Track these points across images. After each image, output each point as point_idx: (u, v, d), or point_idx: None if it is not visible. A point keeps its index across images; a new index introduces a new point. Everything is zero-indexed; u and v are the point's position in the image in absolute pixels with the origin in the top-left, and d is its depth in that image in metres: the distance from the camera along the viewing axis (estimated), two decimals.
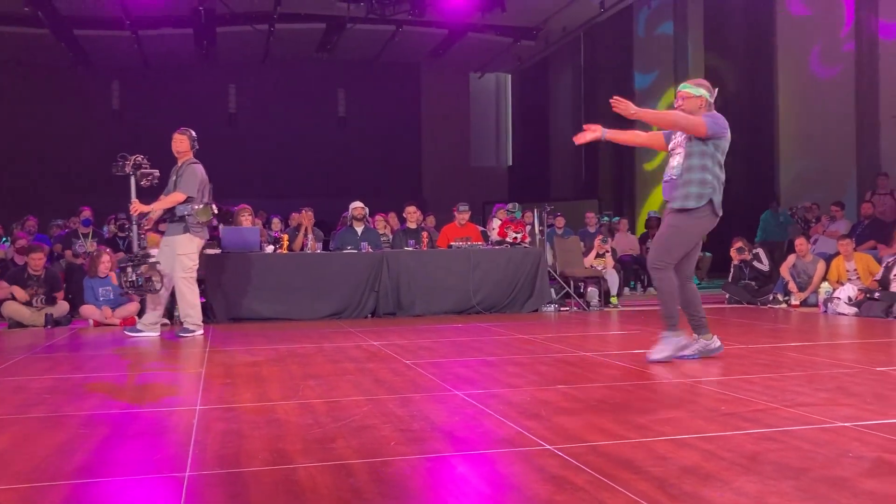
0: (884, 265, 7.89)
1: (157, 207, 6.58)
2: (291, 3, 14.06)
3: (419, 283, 8.23)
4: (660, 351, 4.78)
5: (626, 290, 10.65)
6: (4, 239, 10.37)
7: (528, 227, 9.01)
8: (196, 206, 6.47)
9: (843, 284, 8.16)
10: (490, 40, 16.64)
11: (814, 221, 10.62)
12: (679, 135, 4.75)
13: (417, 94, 19.38)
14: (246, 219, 8.75)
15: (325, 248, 9.40)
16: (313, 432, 3.08)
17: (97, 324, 7.63)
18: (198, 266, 6.81)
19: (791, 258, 8.99)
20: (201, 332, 6.72)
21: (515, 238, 8.76)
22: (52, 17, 13.89)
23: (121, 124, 16.91)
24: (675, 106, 4.67)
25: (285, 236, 8.52)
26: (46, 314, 7.67)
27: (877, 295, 7.59)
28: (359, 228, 8.95)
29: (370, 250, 8.49)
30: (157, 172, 6.55)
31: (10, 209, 12.24)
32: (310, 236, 8.97)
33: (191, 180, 6.52)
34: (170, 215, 6.60)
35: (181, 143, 6.75)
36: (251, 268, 7.94)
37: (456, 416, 3.38)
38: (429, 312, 8.17)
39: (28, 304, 7.77)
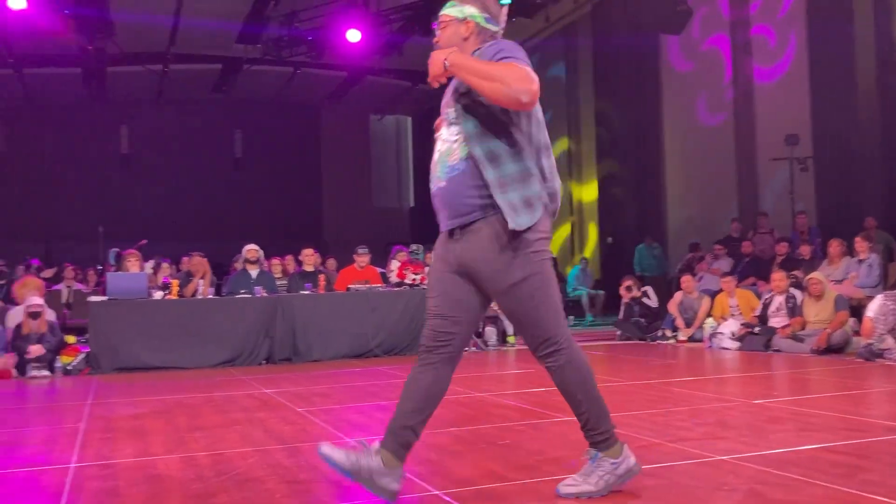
0: (762, 301, 8.30)
1: None
2: (186, 44, 13.87)
3: (316, 327, 8.11)
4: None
5: None
6: None
7: (428, 269, 9.05)
8: None
9: (726, 320, 8.53)
10: (389, 83, 16.85)
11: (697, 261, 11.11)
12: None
13: (317, 135, 19.35)
14: (133, 264, 8.44)
15: (218, 292, 9.16)
16: (194, 487, 2.97)
17: None
18: None
19: (678, 295, 9.34)
20: None
21: (414, 280, 8.78)
22: None
23: (6, 165, 16.17)
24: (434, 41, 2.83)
25: (175, 282, 8.25)
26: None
27: (756, 329, 7.96)
28: (253, 272, 8.77)
29: (265, 294, 8.32)
30: None
31: None
32: (203, 282, 8.72)
33: None
34: None
35: None
36: (138, 315, 7.63)
37: None
38: (326, 357, 8.04)
39: None
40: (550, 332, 2.61)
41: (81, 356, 7.47)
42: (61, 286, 9.90)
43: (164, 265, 9.72)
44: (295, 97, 17.52)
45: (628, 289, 9.73)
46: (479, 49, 2.63)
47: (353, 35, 12.16)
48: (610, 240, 14.49)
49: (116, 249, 10.26)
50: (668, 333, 9.16)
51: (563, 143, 15.83)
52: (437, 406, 2.75)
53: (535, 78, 2.42)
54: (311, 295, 8.46)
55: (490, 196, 2.50)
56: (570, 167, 15.66)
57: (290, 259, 9.91)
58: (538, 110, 2.66)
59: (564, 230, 15.76)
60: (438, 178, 2.69)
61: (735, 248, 10.78)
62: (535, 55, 16.08)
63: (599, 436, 2.68)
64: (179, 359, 7.58)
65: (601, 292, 12.70)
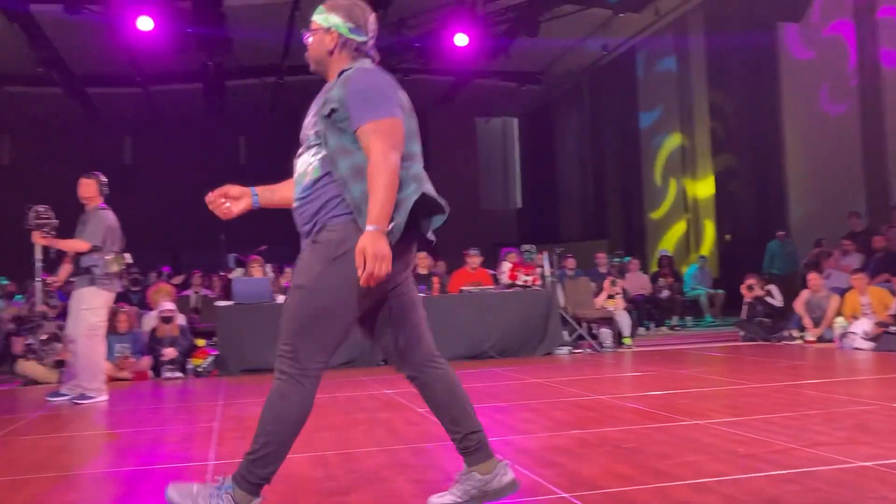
0: None
1: (57, 245, 6.04)
2: (299, 55, 14.28)
3: (431, 328, 8.18)
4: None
5: (642, 329, 10.58)
6: (19, 296, 10.46)
7: (539, 270, 9.00)
8: (106, 257, 5.95)
9: (857, 319, 8.08)
10: (495, 86, 16.85)
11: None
12: None
13: (425, 139, 19.34)
14: (257, 269, 8.78)
15: None
16: (326, 486, 3.06)
17: (110, 379, 7.62)
18: (105, 322, 6.22)
19: (804, 293, 8.92)
20: (104, 398, 6.06)
21: (526, 281, 8.75)
22: (66, 76, 14.17)
23: (133, 179, 17.13)
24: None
25: None
26: (61, 370, 7.67)
27: (893, 329, 7.51)
28: None
29: None
30: (55, 222, 6.08)
31: (26, 266, 12.34)
32: None
33: (96, 228, 5.97)
34: (75, 268, 6.05)
35: (88, 188, 6.16)
36: (262, 318, 7.92)
37: None
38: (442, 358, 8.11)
39: (40, 361, 7.78)
40: (291, 342, 2.48)
41: (210, 358, 7.83)
42: (190, 292, 10.42)
43: (287, 270, 10.06)
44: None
45: (750, 288, 9.36)
46: (346, 71, 2.50)
47: (461, 39, 12.24)
48: (728, 237, 13.99)
49: (235, 254, 10.68)
50: (795, 334, 8.76)
51: (676, 139, 15.42)
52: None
53: (395, 125, 2.38)
54: (425, 297, 8.55)
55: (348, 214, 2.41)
56: (683, 163, 15.23)
57: None
58: (416, 130, 2.59)
59: (680, 228, 15.33)
60: (294, 199, 2.61)
61: (865, 243, 10.19)
62: (644, 51, 15.76)
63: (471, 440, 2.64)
64: None
65: (721, 291, 12.26)
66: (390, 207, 2.32)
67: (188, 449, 3.96)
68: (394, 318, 2.67)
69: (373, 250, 2.23)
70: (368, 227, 2.27)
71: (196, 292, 10.34)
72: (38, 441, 4.42)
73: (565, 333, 8.73)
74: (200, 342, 8.11)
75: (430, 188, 2.55)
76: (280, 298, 8.32)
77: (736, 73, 13.85)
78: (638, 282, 11.47)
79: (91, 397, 5.97)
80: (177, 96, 16.07)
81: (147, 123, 17.29)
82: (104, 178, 6.26)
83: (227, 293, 8.69)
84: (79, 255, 5.98)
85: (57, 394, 6.14)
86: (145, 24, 11.12)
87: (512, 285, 8.81)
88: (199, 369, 7.79)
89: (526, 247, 9.55)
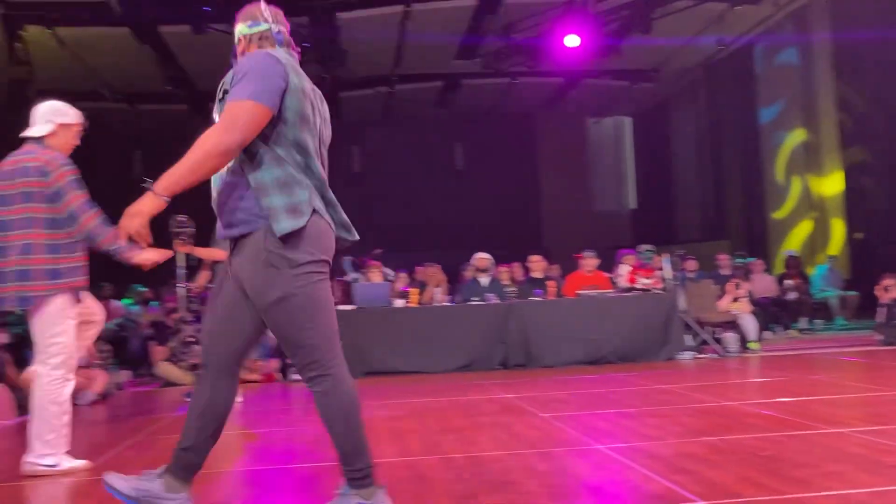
0: None
1: (198, 253, 6.35)
2: (409, 64, 14.55)
3: (548, 333, 8.16)
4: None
5: (769, 333, 10.15)
6: (155, 302, 11.09)
7: (659, 272, 8.79)
8: None
9: None
10: (607, 85, 16.58)
11: None
12: None
13: (534, 142, 19.49)
14: (376, 274, 8.97)
15: (451, 300, 9.49)
16: (457, 488, 3.10)
17: (241, 381, 7.97)
18: None
19: None
20: (238, 399, 6.25)
21: (646, 284, 8.56)
22: (192, 93, 14.94)
23: None
24: None
25: (414, 290, 8.68)
26: (196, 373, 8.08)
27: None
28: (484, 280, 8.99)
29: (497, 301, 8.51)
30: (191, 230, 6.29)
31: (160, 273, 13.08)
32: (439, 290, 9.08)
33: None
34: (213, 275, 6.22)
35: None
36: (382, 322, 8.12)
37: (600, 470, 3.32)
38: (559, 363, 8.06)
39: (178, 363, 8.23)
40: (315, 356, 2.45)
41: None
42: None
43: (402, 275, 10.24)
44: (511, 107, 17.77)
45: (887, 289, 8.84)
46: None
47: (572, 40, 12.11)
48: (860, 235, 13.24)
49: (350, 258, 10.95)
50: None
51: (799, 135, 14.71)
52: (223, 424, 2.60)
53: (245, 107, 2.32)
54: (542, 301, 8.53)
55: (257, 206, 2.40)
56: (807, 159, 14.53)
57: (517, 266, 10.05)
58: (310, 117, 2.50)
59: (805, 227, 14.61)
60: (212, 190, 2.61)
61: None
62: (762, 44, 15.14)
63: (356, 472, 2.53)
64: (421, 364, 7.95)
65: (853, 293, 11.61)
66: (184, 182, 2.33)
67: (322, 450, 4.09)
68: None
69: (131, 207, 2.33)
70: (157, 188, 2.33)
71: None
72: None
73: (688, 338, 8.49)
74: None
75: (317, 201, 2.51)
76: (399, 303, 8.49)
77: (867, 60, 13.09)
78: (763, 284, 11.01)
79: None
80: None
81: None
82: None
83: (347, 297, 8.93)
84: (215, 263, 6.28)
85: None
86: None
87: (631, 289, 8.65)
88: None
89: (643, 247, 9.35)
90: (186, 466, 2.57)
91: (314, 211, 2.46)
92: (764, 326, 9.72)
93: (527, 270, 9.63)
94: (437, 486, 3.15)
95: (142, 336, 9.68)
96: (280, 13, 2.70)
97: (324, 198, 2.55)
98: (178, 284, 6.56)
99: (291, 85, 2.42)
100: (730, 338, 8.51)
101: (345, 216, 2.64)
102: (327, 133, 2.68)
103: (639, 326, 8.23)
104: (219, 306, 2.59)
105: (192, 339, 6.37)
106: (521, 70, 14.58)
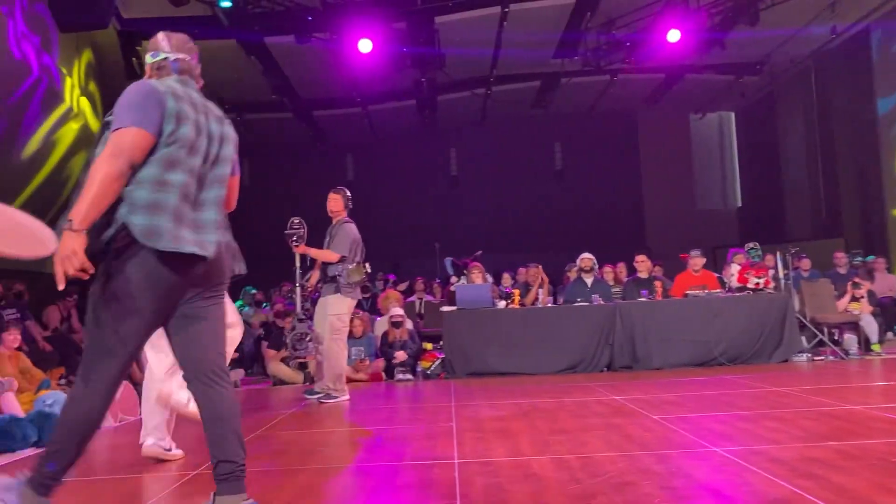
0: None
1: (311, 254, 6.60)
2: (507, 65, 14.54)
3: (655, 334, 7.99)
4: None
5: (891, 334, 9.62)
6: (266, 304, 11.48)
7: (771, 271, 8.47)
8: (348, 266, 6.39)
9: None
10: (710, 80, 16.12)
11: None
12: None
13: (635, 140, 19.13)
14: (477, 276, 9.01)
15: (554, 301, 9.43)
16: (572, 488, 3.07)
17: (349, 380, 8.16)
18: (347, 327, 6.71)
19: None
20: (346, 397, 6.53)
21: (758, 283, 8.26)
22: (295, 101, 15.40)
23: (356, 194, 18.23)
24: None
25: (516, 291, 8.67)
26: (305, 372, 8.33)
27: None
28: (588, 280, 8.89)
29: (601, 302, 8.39)
30: (301, 231, 6.60)
31: (270, 276, 13.53)
32: (541, 291, 9.05)
33: (344, 240, 6.46)
34: (322, 276, 6.56)
35: (335, 202, 6.72)
36: (485, 323, 8.15)
37: (718, 473, 3.23)
38: (667, 365, 7.89)
39: (288, 363, 8.50)
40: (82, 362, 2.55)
41: (438, 362, 8.16)
42: (413, 298, 10.91)
43: (504, 275, 10.25)
44: (611, 104, 17.50)
45: None
46: None
47: (674, 35, 11.85)
48: None
49: (451, 258, 11.03)
50: None
51: None
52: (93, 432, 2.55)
53: (127, 134, 2.47)
54: (648, 302, 8.36)
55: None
56: None
57: (621, 266, 9.89)
58: (190, 139, 2.59)
59: None
60: None
61: None
62: (879, 30, 14.37)
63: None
64: (524, 365, 7.94)
65: None
66: (94, 212, 2.39)
67: (433, 447, 4.14)
68: (178, 330, 2.66)
69: (60, 250, 2.35)
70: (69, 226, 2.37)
71: (420, 298, 10.81)
72: (297, 436, 4.82)
73: (803, 339, 8.15)
74: (428, 346, 8.47)
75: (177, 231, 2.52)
76: (501, 304, 8.50)
77: None
78: (885, 283, 10.45)
79: (335, 397, 6.44)
80: (392, 114, 16.91)
81: (366, 141, 18.34)
82: (349, 193, 6.86)
83: (451, 299, 9.02)
84: (326, 264, 6.49)
85: (312, 392, 6.66)
86: (365, 46, 11.81)
87: (742, 288, 8.37)
88: (428, 371, 8.13)
89: (750, 245, 9.04)
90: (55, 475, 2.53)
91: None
92: (886, 328, 9.23)
93: (632, 270, 9.46)
94: (551, 486, 3.13)
95: (254, 337, 10.04)
96: (184, 40, 2.88)
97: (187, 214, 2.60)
98: (296, 284, 6.82)
99: (169, 109, 2.57)
100: (850, 339, 8.12)
101: (211, 236, 2.64)
102: (226, 151, 2.78)
103: (751, 327, 7.96)
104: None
105: (302, 336, 6.61)
106: (621, 67, 14.35)
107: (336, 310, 6.41)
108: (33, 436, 4.76)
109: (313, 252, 6.57)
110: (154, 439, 4.02)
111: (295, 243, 6.53)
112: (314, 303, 6.91)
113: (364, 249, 6.64)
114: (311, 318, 6.69)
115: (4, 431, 4.67)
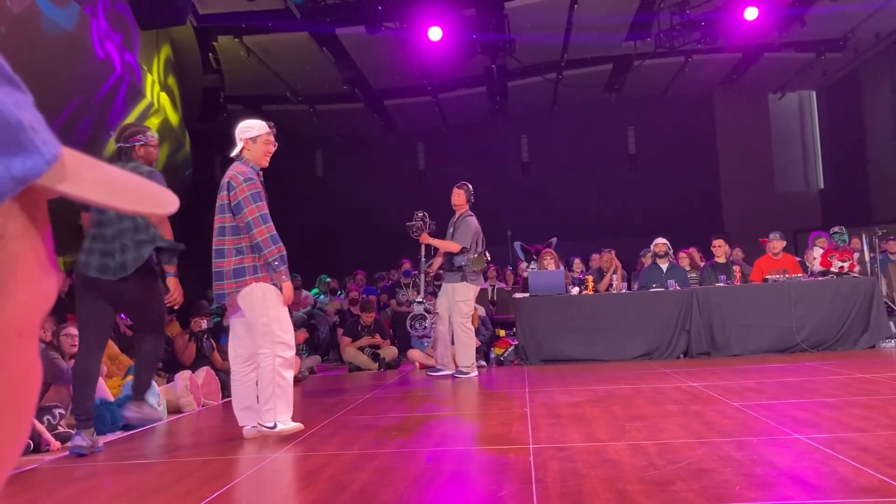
0: None
1: (435, 244, 7.22)
2: (578, 49, 14.35)
3: (734, 320, 7.80)
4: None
5: None
6: (340, 292, 11.67)
7: (856, 255, 8.16)
8: (471, 256, 6.93)
9: None
10: (789, 58, 15.56)
11: None
12: None
13: (711, 122, 18.63)
14: (550, 262, 8.95)
15: (629, 287, 9.30)
16: (650, 474, 3.04)
17: (422, 366, 8.25)
18: (473, 311, 7.28)
19: None
20: (475, 374, 7.12)
21: (842, 267, 7.96)
22: (366, 91, 15.55)
23: (427, 183, 18.31)
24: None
25: (590, 277, 8.59)
26: (380, 359, 8.46)
27: None
28: (663, 265, 8.73)
29: (677, 288, 8.24)
30: (417, 224, 7.25)
31: (344, 265, 13.75)
32: (615, 277, 8.95)
33: (466, 232, 7.08)
34: (448, 265, 7.15)
35: (458, 196, 7.37)
36: (558, 310, 8.09)
37: (802, 461, 3.15)
38: (746, 352, 7.70)
39: (363, 350, 8.64)
40: None
41: (511, 348, 8.16)
42: (486, 285, 10.91)
43: (576, 261, 10.16)
44: (686, 86, 17.08)
45: None
46: None
47: (751, 13, 11.50)
48: None
49: (520, 242, 10.98)
50: None
51: None
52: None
53: None
54: (727, 287, 8.16)
55: None
56: None
57: (694, 251, 9.68)
58: None
59: None
60: None
61: None
62: None
63: None
64: (599, 351, 7.86)
65: None
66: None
67: (508, 432, 4.16)
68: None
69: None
70: None
71: (492, 285, 10.81)
72: (373, 420, 4.90)
73: (892, 325, 7.84)
74: (501, 332, 8.48)
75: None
76: (574, 290, 8.44)
77: None
78: None
79: (466, 373, 7.01)
80: (463, 101, 16.89)
81: (437, 130, 18.39)
82: (471, 188, 7.43)
83: (523, 285, 9.00)
84: (450, 254, 7.07)
85: (435, 369, 7.37)
86: (435, 34, 11.84)
87: (825, 272, 8.09)
88: (501, 358, 8.14)
89: (835, 229, 8.72)
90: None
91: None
92: None
93: (709, 255, 9.25)
94: (628, 471, 3.11)
95: (329, 324, 10.23)
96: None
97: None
98: (420, 271, 7.79)
99: None
100: None
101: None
102: None
103: (835, 312, 7.70)
104: None
105: (419, 316, 7.57)
106: (695, 48, 13.99)
107: (463, 296, 7.02)
108: (122, 419, 4.97)
109: (436, 242, 7.18)
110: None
111: (415, 234, 7.02)
112: (437, 286, 7.71)
113: (484, 239, 7.20)
114: (434, 295, 7.37)
115: (96, 415, 4.89)
